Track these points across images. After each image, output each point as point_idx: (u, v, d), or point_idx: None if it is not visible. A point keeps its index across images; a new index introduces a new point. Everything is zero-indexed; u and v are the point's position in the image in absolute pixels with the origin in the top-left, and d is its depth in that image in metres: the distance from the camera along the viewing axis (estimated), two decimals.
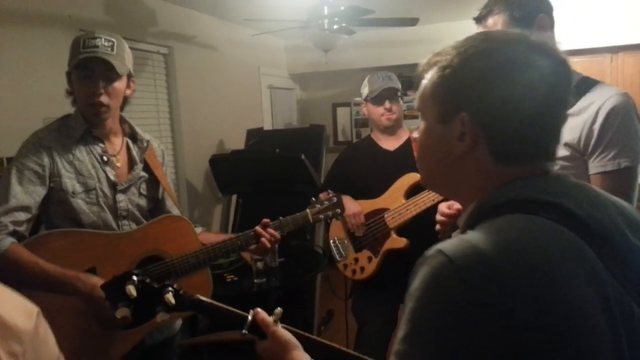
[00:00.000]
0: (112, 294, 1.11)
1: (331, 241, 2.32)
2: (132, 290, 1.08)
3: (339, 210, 1.89)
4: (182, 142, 3.84)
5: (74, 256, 1.41)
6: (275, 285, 2.90)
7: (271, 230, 1.68)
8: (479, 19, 1.50)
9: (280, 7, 3.66)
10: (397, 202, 2.15)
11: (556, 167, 1.38)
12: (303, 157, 3.55)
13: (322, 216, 1.85)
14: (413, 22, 3.66)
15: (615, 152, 1.34)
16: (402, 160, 2.24)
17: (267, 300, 3.08)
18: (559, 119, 0.77)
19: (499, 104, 0.72)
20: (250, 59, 4.77)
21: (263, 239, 1.65)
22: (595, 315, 0.62)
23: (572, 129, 1.40)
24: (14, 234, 1.38)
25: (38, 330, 0.62)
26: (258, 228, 1.68)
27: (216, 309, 1.10)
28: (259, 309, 1.06)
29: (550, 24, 1.46)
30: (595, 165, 1.37)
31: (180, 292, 1.11)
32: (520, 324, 0.59)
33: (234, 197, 4.13)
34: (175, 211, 1.76)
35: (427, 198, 2.05)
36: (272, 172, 3.78)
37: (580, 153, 1.39)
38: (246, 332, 1.04)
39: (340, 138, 5.94)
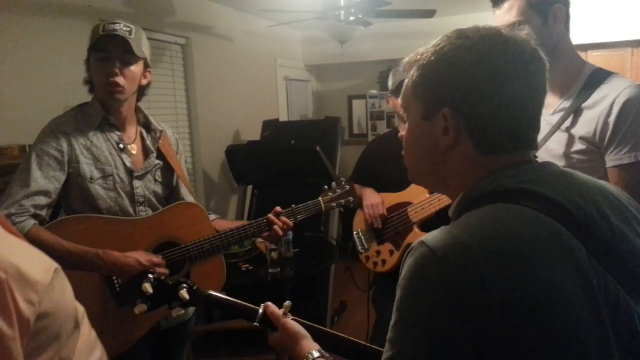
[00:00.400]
0: (130, 291, 1.17)
1: (354, 232, 2.32)
2: (148, 287, 1.15)
3: (351, 199, 1.89)
4: (199, 133, 3.88)
5: (91, 241, 1.44)
6: (289, 275, 2.93)
7: (284, 218, 1.70)
8: (496, 2, 1.49)
9: None
10: (420, 196, 2.12)
11: (572, 160, 1.40)
12: (318, 148, 3.56)
13: (334, 204, 1.85)
14: (430, 14, 3.63)
15: (631, 145, 1.33)
16: None
17: (281, 289, 3.12)
18: (538, 108, 0.79)
19: (477, 97, 0.75)
20: (266, 50, 4.79)
21: (275, 227, 1.68)
22: (577, 299, 0.64)
23: (587, 122, 1.39)
24: (35, 217, 1.42)
25: (54, 283, 0.69)
26: (271, 216, 1.70)
27: (228, 303, 1.14)
28: (269, 303, 1.11)
29: (565, 17, 1.45)
30: (611, 159, 1.36)
31: (194, 287, 1.16)
32: (499, 309, 0.62)
33: (250, 188, 4.17)
34: (189, 198, 1.79)
35: None
36: (287, 163, 3.80)
37: (596, 146, 1.38)
38: (257, 324, 1.09)
39: (356, 130, 5.94)
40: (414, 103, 0.82)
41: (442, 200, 2.06)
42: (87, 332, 0.79)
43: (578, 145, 1.41)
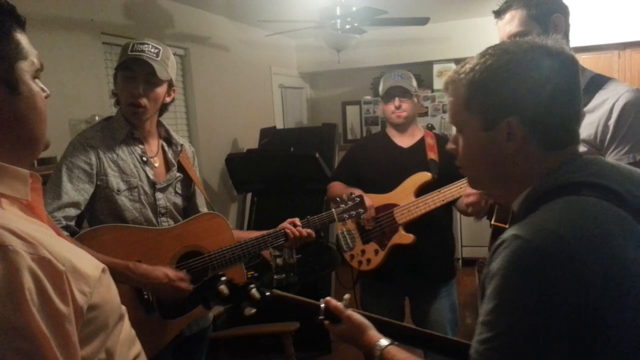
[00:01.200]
0: (204, 295, 1.22)
1: (339, 232, 2.37)
2: (224, 289, 1.19)
3: (361, 210, 1.98)
4: (198, 141, 3.92)
5: (121, 249, 1.48)
6: (293, 281, 2.98)
7: (300, 229, 1.77)
8: (498, 13, 1.56)
9: (293, 8, 3.73)
10: (407, 199, 2.20)
11: None
12: (317, 155, 3.62)
13: (346, 215, 1.93)
14: (424, 21, 3.72)
15: (630, 146, 1.40)
16: (414, 158, 2.30)
17: None
18: (580, 106, 0.89)
19: (538, 103, 0.84)
20: (262, 58, 4.85)
21: (294, 235, 1.76)
22: None
23: (588, 125, 1.46)
24: (66, 228, 1.46)
25: (102, 279, 0.77)
26: (290, 226, 1.77)
27: (292, 301, 1.22)
28: (328, 298, 1.18)
29: (565, 25, 1.52)
30: (611, 160, 1.44)
31: (261, 288, 1.22)
32: (592, 290, 0.71)
33: (249, 195, 4.22)
34: (204, 209, 1.84)
35: (437, 198, 2.14)
36: (287, 170, 3.85)
37: (597, 148, 1.45)
38: (322, 317, 1.15)
39: (350, 136, 6.00)
40: (468, 118, 0.90)
41: (428, 204, 2.15)
42: (128, 328, 0.85)
43: (580, 148, 1.48)
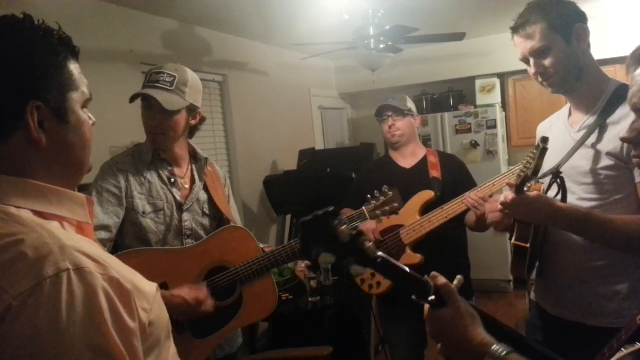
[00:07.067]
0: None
1: None
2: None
3: (396, 205, 1.88)
4: (238, 165, 3.99)
5: (146, 273, 1.47)
6: (329, 304, 2.94)
7: None
8: (516, 29, 1.50)
9: (326, 30, 3.76)
10: (412, 219, 2.19)
11: (600, 177, 1.38)
12: (353, 175, 3.59)
13: (379, 212, 1.85)
14: (460, 37, 3.66)
15: None
16: (417, 178, 2.30)
17: (322, 318, 3.11)
18: None
19: None
20: (300, 81, 4.90)
21: None
22: None
23: (614, 137, 1.38)
24: None
25: (157, 297, 0.80)
26: None
27: (400, 271, 0.93)
28: (436, 273, 0.97)
29: (587, 35, 1.46)
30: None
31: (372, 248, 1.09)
32: None
33: (289, 217, 4.23)
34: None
35: (440, 215, 2.12)
36: (324, 191, 3.83)
37: (624, 162, 1.37)
38: (435, 298, 0.95)
39: None
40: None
41: (432, 221, 2.13)
42: (173, 345, 0.88)
43: (606, 161, 1.40)
